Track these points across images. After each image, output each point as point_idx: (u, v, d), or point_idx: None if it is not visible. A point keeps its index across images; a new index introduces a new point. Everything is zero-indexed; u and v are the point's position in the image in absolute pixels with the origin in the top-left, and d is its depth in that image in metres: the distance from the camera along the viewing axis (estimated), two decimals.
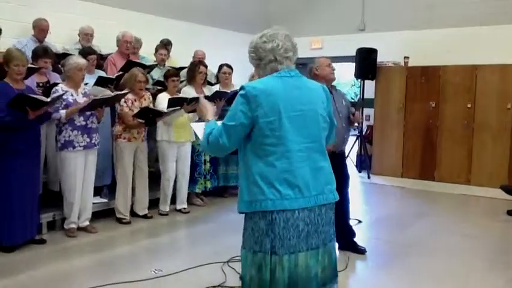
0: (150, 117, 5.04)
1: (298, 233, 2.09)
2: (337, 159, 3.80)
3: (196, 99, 5.38)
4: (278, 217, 2.07)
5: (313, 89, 2.24)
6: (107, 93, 4.96)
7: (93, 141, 4.67)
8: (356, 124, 4.50)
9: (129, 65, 5.51)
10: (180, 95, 5.52)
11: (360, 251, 4.34)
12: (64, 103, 4.45)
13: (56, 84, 4.61)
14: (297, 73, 2.21)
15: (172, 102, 5.16)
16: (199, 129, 3.14)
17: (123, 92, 4.88)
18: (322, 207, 2.16)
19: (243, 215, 2.23)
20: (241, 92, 2.12)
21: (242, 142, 2.17)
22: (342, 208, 3.67)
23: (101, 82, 5.16)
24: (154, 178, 5.58)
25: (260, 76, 2.22)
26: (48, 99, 4.17)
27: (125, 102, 5.01)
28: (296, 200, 2.08)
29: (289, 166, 2.08)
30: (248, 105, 2.08)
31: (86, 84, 4.87)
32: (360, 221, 5.40)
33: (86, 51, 5.29)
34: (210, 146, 2.22)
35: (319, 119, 2.19)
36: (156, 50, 6.49)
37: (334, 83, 4.23)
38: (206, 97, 5.58)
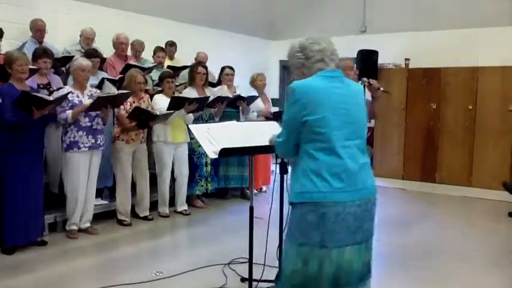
0: (142, 118, 4.99)
1: (347, 227, 2.14)
2: None
3: (197, 100, 5.39)
4: (329, 211, 2.11)
5: (355, 89, 2.34)
6: (111, 91, 4.98)
7: (98, 142, 4.68)
8: (380, 91, 4.33)
9: (128, 68, 5.51)
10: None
11: None
12: (70, 104, 4.46)
13: (60, 88, 4.64)
14: (340, 73, 2.30)
15: (174, 101, 5.16)
16: (199, 131, 3.15)
17: (126, 91, 4.88)
18: (368, 203, 2.22)
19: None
20: (289, 91, 2.21)
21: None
22: None
23: (103, 84, 5.16)
24: (154, 180, 5.57)
25: (304, 75, 2.29)
26: (51, 98, 4.19)
27: (123, 104, 5.00)
28: (346, 193, 2.14)
29: (338, 161, 2.14)
30: (297, 104, 2.17)
31: (91, 86, 4.88)
32: None
33: (90, 54, 5.31)
34: (276, 149, 2.39)
35: (362, 118, 2.30)
36: (154, 52, 6.52)
37: None
38: (207, 98, 5.60)
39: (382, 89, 4.36)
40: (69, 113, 4.43)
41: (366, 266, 2.28)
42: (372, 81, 4.20)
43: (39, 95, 4.17)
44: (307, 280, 2.15)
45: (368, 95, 4.07)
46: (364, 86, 4.19)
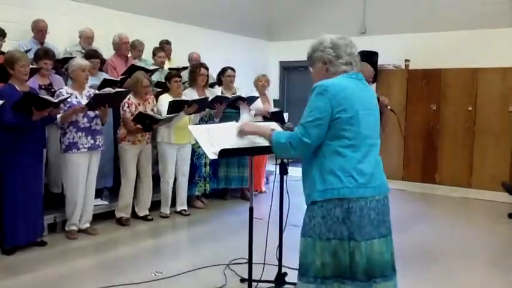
0: (146, 123, 5.01)
1: (371, 221, 2.25)
2: None
3: (196, 101, 5.39)
4: (354, 206, 2.20)
5: (372, 94, 2.46)
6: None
7: (97, 143, 4.68)
8: (387, 109, 4.39)
9: (132, 69, 5.51)
10: (182, 98, 5.53)
11: None
12: (68, 105, 4.46)
13: (60, 89, 4.63)
14: (362, 77, 2.40)
15: (172, 105, 5.16)
16: (198, 132, 3.15)
17: (124, 89, 4.87)
18: (385, 198, 2.34)
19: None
20: (320, 89, 2.24)
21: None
22: None
23: (105, 85, 5.16)
24: (155, 180, 5.57)
25: (327, 72, 2.34)
26: (56, 100, 4.19)
27: (128, 107, 5.01)
28: (368, 189, 2.23)
29: (362, 157, 2.24)
30: (331, 101, 2.21)
31: (91, 87, 4.88)
32: None
33: (89, 54, 5.31)
34: (296, 149, 2.31)
35: (378, 120, 2.43)
36: (154, 53, 6.51)
37: None
38: (206, 99, 5.61)
39: (389, 107, 4.41)
40: (58, 117, 4.41)
41: (393, 256, 2.40)
42: (382, 98, 4.23)
43: (42, 96, 4.17)
44: (340, 270, 2.23)
45: None
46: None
